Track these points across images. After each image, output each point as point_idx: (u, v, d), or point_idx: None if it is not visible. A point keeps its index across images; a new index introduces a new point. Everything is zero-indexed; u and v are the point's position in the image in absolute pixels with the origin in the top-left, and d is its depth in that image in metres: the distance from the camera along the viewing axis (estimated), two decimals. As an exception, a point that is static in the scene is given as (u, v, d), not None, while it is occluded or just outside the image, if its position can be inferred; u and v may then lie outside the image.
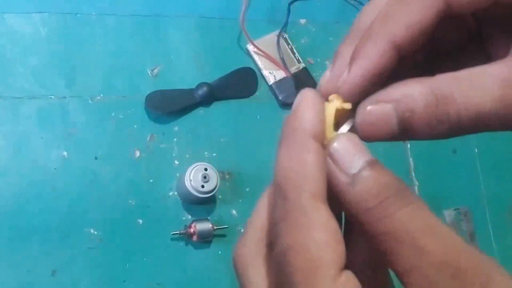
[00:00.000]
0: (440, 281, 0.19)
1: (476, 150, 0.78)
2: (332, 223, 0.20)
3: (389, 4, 0.22)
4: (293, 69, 0.71)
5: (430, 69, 0.24)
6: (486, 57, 0.24)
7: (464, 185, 0.76)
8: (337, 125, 0.23)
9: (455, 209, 0.74)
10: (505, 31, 0.23)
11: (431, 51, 0.25)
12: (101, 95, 0.63)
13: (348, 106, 0.22)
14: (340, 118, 0.23)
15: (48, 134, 0.60)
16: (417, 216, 0.20)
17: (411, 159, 0.74)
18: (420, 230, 0.19)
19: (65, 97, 0.62)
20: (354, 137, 0.22)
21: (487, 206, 0.76)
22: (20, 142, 0.59)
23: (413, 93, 0.21)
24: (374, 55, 0.22)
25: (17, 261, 0.57)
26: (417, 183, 0.74)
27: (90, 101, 0.63)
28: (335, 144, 0.22)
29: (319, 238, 0.20)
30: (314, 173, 0.21)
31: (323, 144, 0.22)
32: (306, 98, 0.22)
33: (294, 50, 0.72)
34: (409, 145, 0.73)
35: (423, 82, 0.21)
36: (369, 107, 0.22)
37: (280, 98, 0.70)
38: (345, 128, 0.23)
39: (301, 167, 0.21)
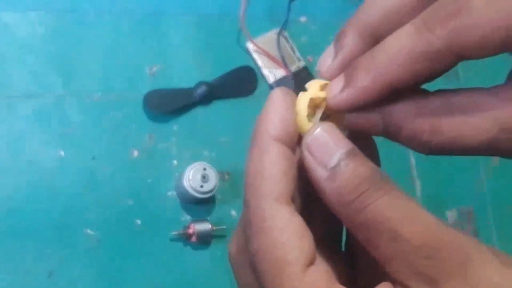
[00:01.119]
0: (417, 264, 0.19)
1: (479, 150, 0.77)
2: (294, 221, 0.21)
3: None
4: (293, 68, 0.70)
5: None
6: None
7: (467, 185, 0.75)
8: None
9: (458, 210, 0.73)
10: None
11: None
12: (99, 94, 0.63)
13: (323, 94, 0.22)
14: (320, 106, 0.23)
15: (44, 133, 0.60)
16: (395, 204, 0.20)
17: (412, 158, 0.73)
18: (398, 217, 0.20)
19: (62, 96, 0.61)
20: (331, 127, 0.22)
21: (490, 206, 0.75)
22: (16, 141, 0.59)
23: (401, 115, 0.21)
24: (369, 90, 0.21)
25: (13, 263, 0.56)
26: (419, 183, 0.73)
27: (87, 100, 0.62)
28: (311, 136, 0.21)
29: (280, 239, 0.20)
30: (272, 175, 0.21)
31: (292, 139, 0.22)
32: (272, 99, 0.22)
33: (294, 48, 0.71)
34: (411, 145, 0.73)
35: (416, 104, 0.21)
36: (358, 112, 0.22)
37: (280, 97, 0.69)
38: (317, 116, 0.23)
39: (260, 170, 0.21)
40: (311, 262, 0.20)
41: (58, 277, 0.57)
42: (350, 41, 0.22)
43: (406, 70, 0.20)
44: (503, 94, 0.20)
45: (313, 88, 0.23)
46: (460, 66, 0.78)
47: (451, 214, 0.73)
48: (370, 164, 0.21)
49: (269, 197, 0.21)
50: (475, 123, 0.20)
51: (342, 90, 0.22)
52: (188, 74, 0.67)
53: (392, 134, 0.22)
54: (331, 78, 0.23)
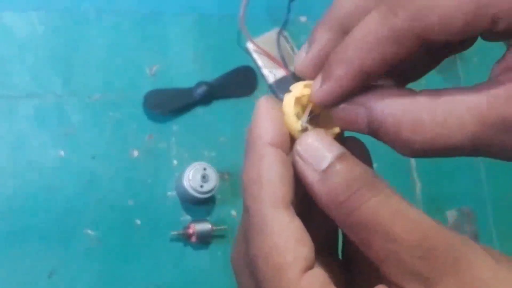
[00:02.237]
0: (411, 264, 0.19)
1: (479, 150, 0.77)
2: (293, 226, 0.21)
3: (361, 33, 0.22)
4: (293, 68, 0.70)
5: None
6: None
7: (467, 185, 0.75)
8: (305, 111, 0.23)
9: (458, 210, 0.73)
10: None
11: None
12: (99, 93, 0.63)
13: (307, 91, 0.23)
14: (303, 106, 0.24)
15: (44, 133, 0.60)
16: (387, 204, 0.20)
17: (412, 159, 0.73)
18: (390, 217, 0.20)
19: (62, 96, 0.61)
20: (321, 133, 0.22)
21: (490, 206, 0.75)
22: (16, 141, 0.59)
23: (387, 110, 0.21)
24: (344, 79, 0.22)
25: (13, 263, 0.56)
26: (419, 183, 0.73)
27: (87, 100, 0.62)
28: (302, 143, 0.22)
29: (278, 244, 0.20)
30: (270, 179, 0.21)
31: (285, 143, 0.22)
32: (259, 107, 0.23)
33: (294, 48, 0.71)
34: (411, 145, 0.72)
35: (400, 100, 0.21)
36: (344, 105, 0.22)
37: (280, 97, 0.69)
38: (306, 114, 0.23)
39: (257, 176, 0.21)
40: (309, 267, 0.20)
41: (58, 277, 0.57)
42: (320, 35, 0.24)
43: (374, 55, 0.21)
44: (485, 89, 0.20)
45: (298, 88, 0.24)
46: (460, 66, 0.78)
47: (451, 214, 0.73)
48: (361, 165, 0.21)
49: (267, 203, 0.21)
50: (459, 118, 0.20)
51: (321, 85, 0.22)
52: (188, 74, 0.67)
53: (375, 130, 0.21)
54: (305, 72, 0.24)
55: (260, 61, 0.70)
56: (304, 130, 0.23)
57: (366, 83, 0.22)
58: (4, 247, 0.56)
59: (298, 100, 0.23)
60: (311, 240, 0.21)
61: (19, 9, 0.62)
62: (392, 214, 0.20)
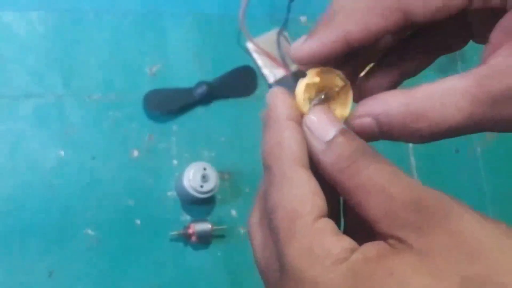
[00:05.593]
0: (406, 217, 0.21)
1: (479, 150, 0.77)
2: (310, 180, 0.24)
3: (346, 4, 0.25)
4: (293, 68, 0.70)
5: (406, 48, 0.28)
6: (467, 34, 0.27)
7: (467, 186, 0.75)
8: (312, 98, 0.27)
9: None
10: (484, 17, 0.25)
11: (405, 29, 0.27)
12: (99, 93, 0.63)
13: (316, 79, 0.26)
14: (317, 90, 0.27)
15: (44, 133, 0.60)
16: (384, 169, 0.23)
17: (413, 158, 0.73)
18: (387, 180, 0.22)
19: (62, 96, 0.61)
20: (326, 109, 0.26)
21: (490, 207, 0.75)
22: (17, 141, 0.59)
23: (391, 110, 0.24)
24: (327, 39, 0.25)
25: (14, 262, 0.56)
26: (419, 183, 0.73)
27: (87, 100, 0.62)
28: (310, 116, 0.25)
29: (297, 194, 0.23)
30: (291, 144, 0.24)
31: (299, 120, 0.25)
32: (274, 93, 0.26)
33: (294, 48, 0.71)
34: (410, 145, 0.73)
35: (400, 98, 0.24)
36: (353, 121, 0.25)
37: (280, 97, 0.69)
38: (316, 101, 0.26)
39: (280, 141, 0.24)
40: (322, 215, 0.23)
41: (58, 277, 0.57)
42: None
43: (359, 24, 0.24)
44: (473, 72, 0.23)
45: (310, 75, 0.26)
46: (461, 66, 0.78)
47: (451, 214, 0.73)
48: (361, 140, 0.24)
49: (288, 161, 0.24)
50: (454, 102, 0.23)
51: (304, 42, 0.26)
52: (188, 74, 0.67)
53: (386, 132, 0.24)
54: (302, 56, 0.26)
55: (260, 61, 0.70)
56: None
57: (348, 50, 0.25)
58: (4, 247, 0.56)
59: (311, 86, 0.26)
60: (324, 197, 0.23)
61: (19, 9, 0.62)
62: (388, 178, 0.22)
